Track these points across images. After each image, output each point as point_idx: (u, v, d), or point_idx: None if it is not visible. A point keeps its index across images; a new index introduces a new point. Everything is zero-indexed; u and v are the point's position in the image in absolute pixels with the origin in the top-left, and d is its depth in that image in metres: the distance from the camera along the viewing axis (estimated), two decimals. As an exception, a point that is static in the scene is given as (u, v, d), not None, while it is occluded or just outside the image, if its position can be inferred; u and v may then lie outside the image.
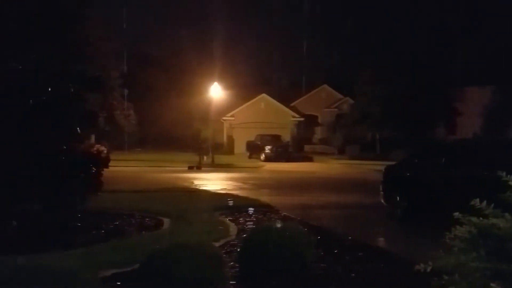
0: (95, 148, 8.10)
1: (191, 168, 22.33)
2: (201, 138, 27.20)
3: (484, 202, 1.98)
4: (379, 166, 15.22)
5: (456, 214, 2.06)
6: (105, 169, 7.78)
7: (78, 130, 7.33)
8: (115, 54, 32.12)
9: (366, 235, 7.54)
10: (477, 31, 31.47)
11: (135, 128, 35.62)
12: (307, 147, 38.52)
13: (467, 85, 32.15)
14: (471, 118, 31.69)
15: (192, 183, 16.07)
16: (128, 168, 20.78)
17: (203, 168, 22.67)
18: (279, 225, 6.44)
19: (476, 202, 1.99)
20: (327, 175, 20.86)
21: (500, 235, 1.83)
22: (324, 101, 42.62)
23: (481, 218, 1.93)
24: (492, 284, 1.68)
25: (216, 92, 28.77)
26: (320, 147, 38.85)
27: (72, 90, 7.30)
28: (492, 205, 1.98)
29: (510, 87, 27.88)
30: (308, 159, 30.80)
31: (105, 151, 8.08)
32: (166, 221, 7.91)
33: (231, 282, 4.67)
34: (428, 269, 1.94)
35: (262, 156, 29.72)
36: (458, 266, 1.87)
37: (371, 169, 21.84)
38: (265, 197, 12.00)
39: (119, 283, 4.72)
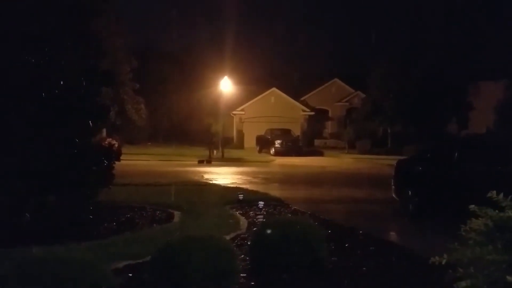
0: (106, 142, 8.15)
1: (201, 162, 22.40)
2: (211, 132, 27.26)
3: (501, 195, 1.95)
4: (391, 161, 15.15)
5: (472, 206, 2.03)
6: (116, 162, 7.82)
7: (90, 124, 7.38)
8: (127, 48, 32.23)
9: (377, 230, 7.50)
10: (492, 25, 30.92)
11: (146, 122, 35.79)
12: (317, 142, 38.37)
13: (480, 79, 31.68)
14: (484, 113, 31.24)
15: (202, 177, 16.12)
16: (139, 162, 20.93)
17: (213, 162, 22.74)
18: (289, 219, 6.46)
19: (493, 194, 1.95)
20: (338, 170, 20.79)
21: (517, 228, 1.80)
22: (335, 95, 42.33)
23: (497, 211, 1.90)
24: (508, 277, 1.65)
25: (227, 86, 28.78)
26: (331, 141, 38.66)
27: (85, 84, 7.34)
28: (510, 197, 1.95)
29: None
30: (319, 153, 30.71)
31: (116, 145, 8.14)
32: (177, 214, 7.96)
33: (242, 275, 4.67)
34: (443, 262, 1.92)
35: (272, 151, 29.69)
36: (474, 259, 1.84)
37: (382, 163, 21.73)
38: (275, 191, 12.00)
39: (130, 274, 4.77)
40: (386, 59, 31.39)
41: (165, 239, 5.06)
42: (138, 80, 33.08)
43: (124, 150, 20.00)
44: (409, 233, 7.69)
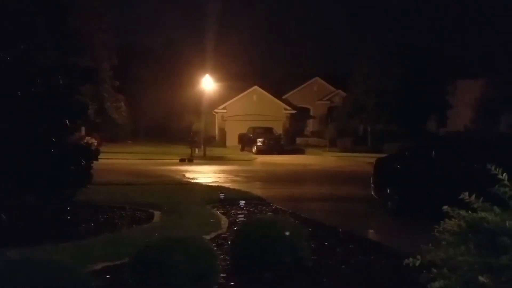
0: (85, 140, 8.01)
1: (182, 161, 22.27)
2: (193, 131, 27.12)
3: (473, 196, 1.98)
4: (371, 158, 15.31)
5: (445, 207, 2.07)
6: (94, 162, 7.69)
7: (67, 123, 7.24)
8: (107, 45, 31.76)
9: (357, 228, 7.58)
10: (470, 26, 31.60)
11: (126, 120, 35.36)
12: (299, 140, 38.59)
13: (458, 78, 32.35)
14: (462, 111, 31.94)
15: (184, 175, 16.02)
16: (119, 160, 20.65)
17: (194, 161, 22.62)
18: (270, 218, 6.47)
19: (465, 195, 1.99)
20: (319, 168, 20.94)
21: (489, 228, 1.83)
22: (316, 94, 42.61)
23: (470, 212, 1.94)
24: (480, 278, 1.68)
25: (208, 84, 28.64)
26: (312, 139, 38.93)
27: (62, 82, 7.19)
28: (481, 199, 1.99)
29: (500, 80, 28.08)
30: (300, 151, 30.89)
31: (95, 143, 8.01)
32: (157, 214, 7.88)
33: (222, 275, 4.66)
34: (417, 263, 1.94)
35: (254, 149, 29.73)
36: (447, 260, 1.87)
37: (363, 161, 21.97)
38: (257, 190, 12.01)
39: (109, 276, 4.70)
40: (368, 58, 31.75)
41: (144, 240, 5.01)
42: (119, 77, 32.67)
43: (104, 148, 19.80)
44: (388, 231, 7.79)
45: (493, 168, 2.04)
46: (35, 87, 6.95)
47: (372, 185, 9.61)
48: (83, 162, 7.38)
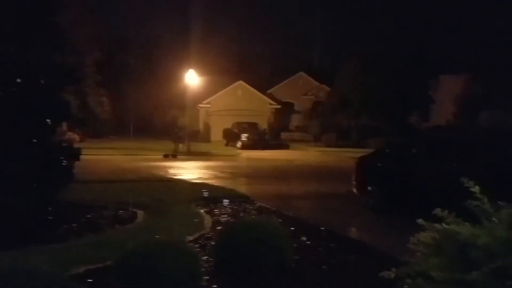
0: (66, 136, 7.88)
1: (166, 157, 22.14)
2: (177, 126, 26.95)
3: (446, 212, 2.03)
4: (355, 153, 15.47)
5: (420, 220, 2.11)
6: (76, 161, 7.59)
7: (49, 122, 7.13)
8: (89, 39, 31.26)
9: (339, 226, 7.67)
10: (453, 22, 32.04)
11: (109, 115, 34.94)
12: (284, 135, 38.68)
13: (441, 73, 32.82)
14: (445, 106, 32.44)
15: (167, 172, 15.95)
16: (102, 157, 20.43)
17: (178, 157, 22.50)
18: (254, 219, 6.49)
19: (437, 211, 2.04)
20: (304, 163, 21.04)
21: (461, 241, 1.88)
22: (301, 89, 42.73)
23: (444, 224, 1.99)
24: (453, 292, 1.74)
25: (192, 78, 28.44)
26: (297, 134, 39.07)
27: (43, 82, 7.06)
28: (454, 213, 2.04)
29: (481, 75, 28.57)
30: (285, 146, 30.97)
31: (77, 139, 7.90)
32: (140, 214, 7.85)
33: (205, 277, 4.67)
34: (392, 276, 1.99)
35: (239, 144, 29.70)
36: (421, 272, 1.93)
37: (347, 156, 22.14)
38: (241, 187, 12.04)
39: (91, 280, 4.67)
40: (355, 55, 31.93)
41: (127, 242, 4.98)
42: (102, 72, 32.23)
43: (86, 144, 19.56)
44: (369, 229, 7.90)
45: (466, 181, 2.09)
46: (15, 87, 6.81)
47: (354, 182, 9.72)
48: (64, 162, 7.28)
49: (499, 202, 2.07)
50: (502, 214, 2.05)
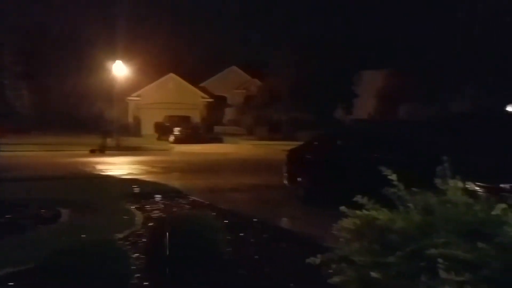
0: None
1: (93, 152, 21.19)
2: (104, 119, 25.87)
3: (365, 198, 2.17)
4: (286, 146, 15.83)
5: (342, 207, 2.24)
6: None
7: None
8: (7, 28, 28.86)
9: (271, 216, 7.84)
10: (373, 19, 33.76)
11: (30, 109, 32.65)
12: (217, 128, 38.64)
13: (363, 69, 34.59)
14: (367, 100, 34.29)
15: (95, 168, 15.28)
16: (23, 153, 19.12)
17: (107, 152, 21.65)
18: (187, 213, 6.45)
19: (358, 198, 2.17)
20: (237, 156, 21.19)
21: (380, 226, 2.03)
22: (233, 82, 42.87)
23: (364, 211, 2.12)
24: (372, 273, 1.86)
25: (120, 70, 27.39)
26: (230, 128, 39.20)
27: None
28: (373, 200, 2.18)
29: (400, 71, 30.43)
30: (219, 140, 30.96)
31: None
32: (65, 212, 7.45)
33: (137, 275, 4.56)
34: (317, 262, 2.09)
35: (171, 138, 29.21)
36: (344, 257, 2.04)
37: (279, 149, 22.60)
38: (174, 181, 11.86)
39: (12, 283, 4.39)
40: (282, 49, 32.58)
41: (51, 242, 4.74)
42: (23, 64, 29.96)
43: (6, 140, 18.12)
44: (299, 219, 8.16)
45: (384, 170, 2.24)
46: None
47: (285, 174, 9.98)
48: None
49: (413, 188, 2.24)
50: (416, 200, 2.22)
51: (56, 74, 35.07)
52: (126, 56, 29.33)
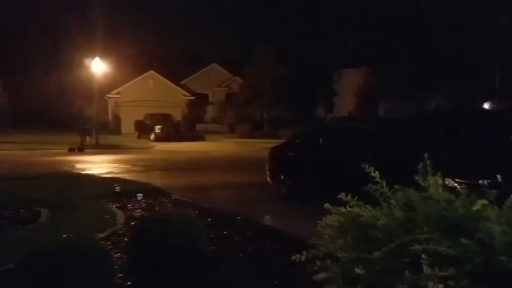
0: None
1: (72, 150, 20.82)
2: (83, 117, 25.45)
3: (349, 196, 2.19)
4: (268, 144, 15.89)
5: (326, 204, 2.26)
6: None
7: None
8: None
9: (254, 214, 7.84)
10: (353, 19, 34.14)
11: (6, 107, 31.84)
12: (199, 126, 38.45)
13: (343, 67, 34.96)
14: (347, 98, 34.68)
15: (74, 167, 15.02)
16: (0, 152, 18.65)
17: (86, 150, 21.30)
18: (169, 212, 6.40)
19: (342, 195, 2.19)
20: (220, 154, 21.13)
21: (363, 222, 2.05)
22: (214, 80, 42.70)
23: (348, 208, 2.14)
24: (356, 269, 1.88)
25: (99, 67, 26.94)
26: (212, 126, 39.09)
27: None
28: (356, 197, 2.21)
29: (379, 69, 30.82)
30: (200, 138, 30.80)
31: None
32: (44, 212, 7.30)
33: (119, 274, 4.51)
34: (303, 259, 2.10)
35: (152, 136, 28.93)
36: (329, 253, 2.06)
37: (260, 147, 22.66)
38: (156, 180, 11.75)
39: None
40: (264, 47, 32.59)
41: (31, 242, 4.64)
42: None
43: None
44: (282, 216, 8.19)
45: (366, 166, 2.27)
46: None
47: (268, 172, 10.00)
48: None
49: (395, 185, 2.28)
50: (398, 196, 2.25)
51: (33, 71, 34.30)
52: (106, 53, 28.88)
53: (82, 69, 29.59)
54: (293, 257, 2.12)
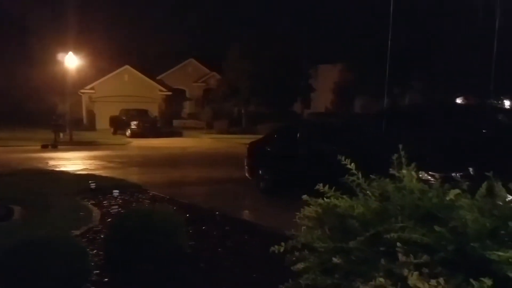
0: None
1: (45, 147, 20.33)
2: (56, 113, 24.85)
3: (327, 186, 2.22)
4: (246, 139, 15.90)
5: (304, 196, 2.28)
6: None
7: None
8: None
9: (233, 209, 7.85)
10: (327, 15, 34.44)
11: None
12: (176, 122, 38.09)
13: (319, 63, 35.21)
14: (324, 94, 34.99)
15: (48, 164, 14.68)
16: (-33, 149, 18.03)
17: (59, 147, 20.83)
18: (147, 208, 6.34)
19: (320, 186, 2.22)
20: (197, 150, 21.02)
21: (340, 213, 2.09)
22: (191, 75, 42.33)
23: (325, 199, 2.17)
24: (334, 259, 1.92)
25: (72, 62, 26.33)
26: (190, 122, 38.77)
27: None
28: (333, 188, 2.24)
29: (354, 65, 31.16)
30: (178, 134, 30.54)
31: None
32: (17, 210, 7.12)
33: (96, 271, 4.45)
34: (281, 250, 2.12)
35: (128, 132, 28.52)
36: (307, 244, 2.09)
37: (238, 142, 22.65)
38: (132, 176, 11.61)
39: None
40: (239, 42, 32.49)
41: (4, 241, 4.52)
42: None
43: None
44: (261, 210, 8.24)
45: (342, 158, 2.30)
46: None
47: (246, 167, 10.03)
48: None
49: (371, 176, 2.32)
50: (374, 187, 2.29)
51: (2, 66, 33.26)
52: (79, 48, 28.23)
53: (55, 64, 28.86)
54: (272, 248, 2.14)
